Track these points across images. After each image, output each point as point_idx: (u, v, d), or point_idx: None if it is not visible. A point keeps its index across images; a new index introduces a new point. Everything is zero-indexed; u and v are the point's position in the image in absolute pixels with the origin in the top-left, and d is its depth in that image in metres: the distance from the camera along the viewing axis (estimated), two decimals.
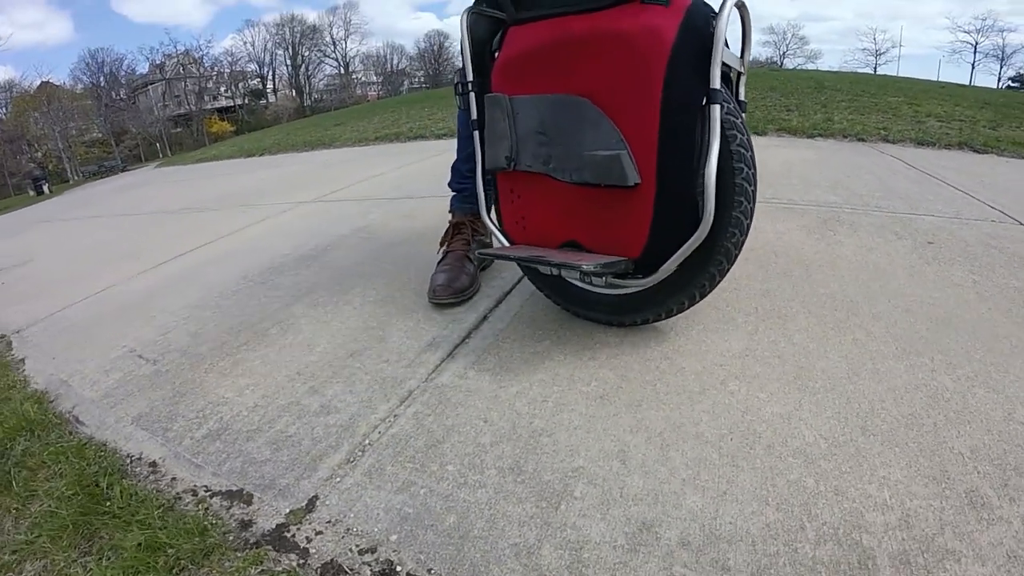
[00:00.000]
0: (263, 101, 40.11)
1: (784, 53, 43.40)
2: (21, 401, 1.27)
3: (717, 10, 0.96)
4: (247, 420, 1.09)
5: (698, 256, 1.04)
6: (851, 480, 0.80)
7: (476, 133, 1.23)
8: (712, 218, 0.97)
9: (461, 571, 0.71)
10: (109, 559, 0.79)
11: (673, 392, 1.03)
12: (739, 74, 1.14)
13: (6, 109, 30.14)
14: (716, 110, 0.94)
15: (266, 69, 41.52)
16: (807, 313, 1.30)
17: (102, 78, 34.14)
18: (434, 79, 43.83)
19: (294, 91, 41.55)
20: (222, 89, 39.07)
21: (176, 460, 1.00)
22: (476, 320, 1.39)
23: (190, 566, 0.76)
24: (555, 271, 1.09)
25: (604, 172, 1.03)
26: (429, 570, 0.72)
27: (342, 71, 43.42)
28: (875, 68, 39.56)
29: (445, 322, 1.40)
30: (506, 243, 1.28)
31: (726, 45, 0.99)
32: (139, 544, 0.79)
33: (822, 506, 0.76)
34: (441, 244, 1.66)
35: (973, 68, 37.76)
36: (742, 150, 1.03)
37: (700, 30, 0.95)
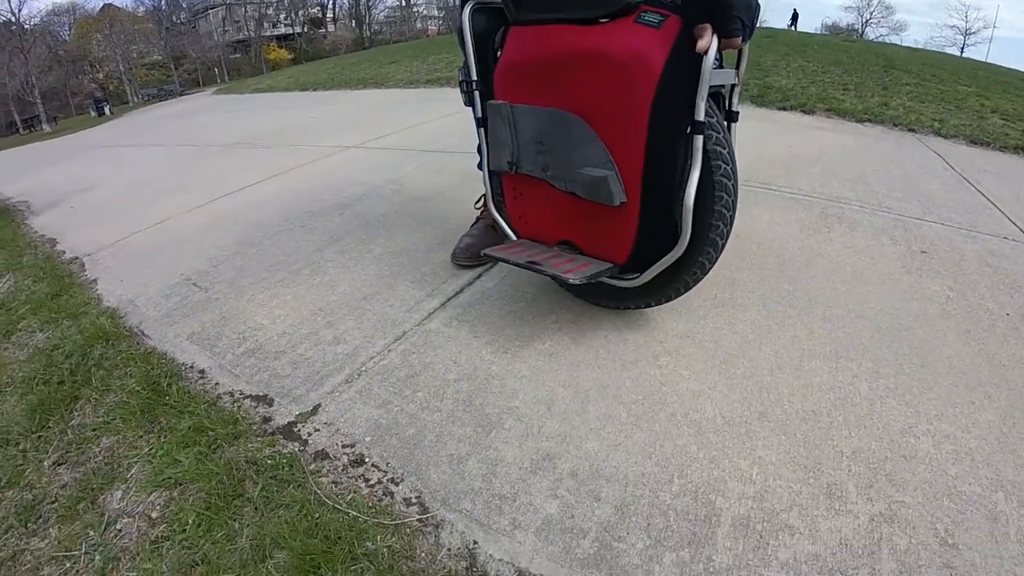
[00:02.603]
0: (322, 30, 39.93)
1: (867, 21, 39.74)
2: (97, 315, 1.57)
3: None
4: (276, 343, 1.36)
5: (674, 268, 1.15)
6: (729, 454, 0.98)
7: (480, 131, 1.32)
8: (688, 239, 1.07)
9: (409, 467, 0.98)
10: (167, 436, 1.09)
11: (610, 358, 1.24)
12: (733, 86, 1.19)
13: (69, 30, 31.09)
14: (699, 140, 1.00)
15: None
16: (761, 306, 1.43)
17: (163, 1, 34.54)
18: None
19: (353, 22, 41.09)
20: (282, 16, 38.99)
21: (220, 370, 1.29)
22: (471, 278, 1.62)
23: (224, 444, 1.05)
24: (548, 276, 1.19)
25: (593, 190, 1.10)
26: (387, 463, 0.99)
27: (403, 3, 42.53)
28: (962, 49, 35.91)
29: (446, 276, 1.63)
30: (512, 234, 1.40)
31: (719, 62, 1.05)
32: (190, 427, 1.09)
33: (695, 469, 0.96)
34: (475, 205, 1.78)
35: None
36: (724, 180, 1.09)
37: (688, 58, 0.97)
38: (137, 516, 0.94)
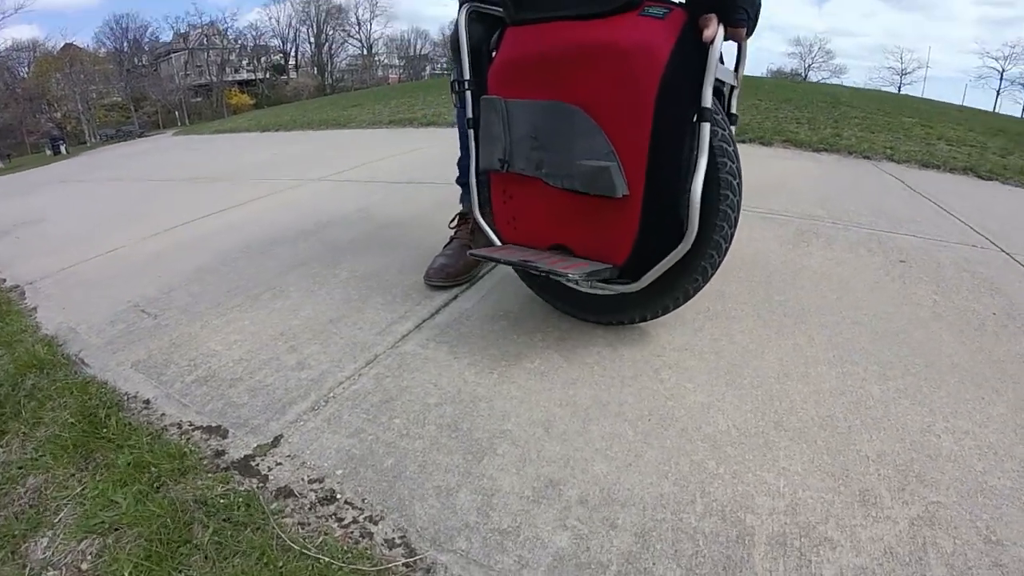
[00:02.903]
0: (284, 77, 40.25)
1: (809, 66, 42.97)
2: (32, 343, 1.40)
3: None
4: (232, 370, 1.21)
5: (674, 272, 1.08)
6: (751, 467, 0.90)
7: (471, 132, 1.25)
8: (695, 234, 1.01)
9: (390, 503, 0.84)
10: (102, 474, 0.92)
11: (607, 375, 1.14)
12: (732, 88, 1.17)
13: (28, 68, 30.53)
14: (706, 128, 0.97)
15: (289, 45, 41.62)
16: (755, 316, 1.39)
17: (126, 44, 34.47)
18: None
19: (315, 69, 41.62)
20: (244, 62, 39.24)
21: (167, 399, 1.13)
22: (447, 299, 1.51)
23: (169, 482, 0.89)
24: (543, 276, 1.14)
25: (593, 182, 1.05)
26: (363, 499, 0.85)
27: (365, 52, 43.42)
28: (899, 87, 39.31)
29: (419, 298, 1.51)
30: (498, 241, 1.31)
31: (721, 60, 1.03)
32: (129, 463, 0.92)
33: (717, 486, 0.86)
34: (450, 225, 1.70)
35: (998, 95, 37.39)
36: (730, 178, 1.06)
37: (694, 48, 0.96)
38: (64, 568, 0.77)
